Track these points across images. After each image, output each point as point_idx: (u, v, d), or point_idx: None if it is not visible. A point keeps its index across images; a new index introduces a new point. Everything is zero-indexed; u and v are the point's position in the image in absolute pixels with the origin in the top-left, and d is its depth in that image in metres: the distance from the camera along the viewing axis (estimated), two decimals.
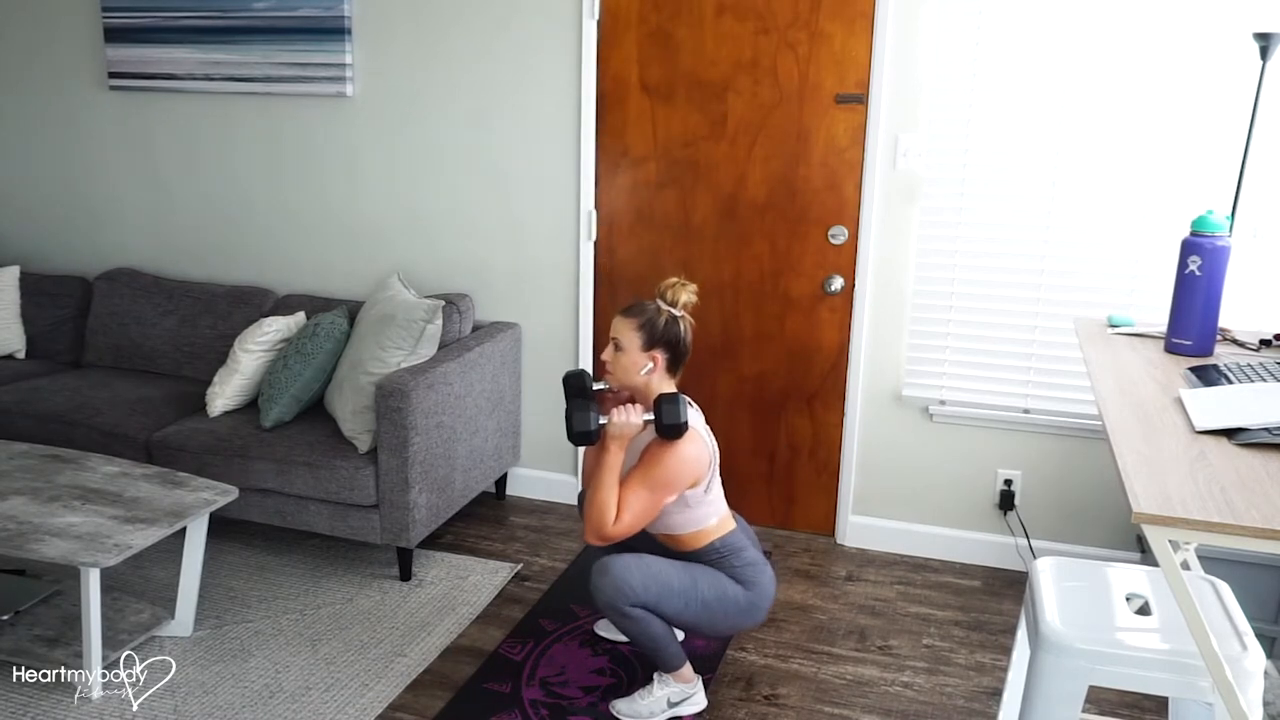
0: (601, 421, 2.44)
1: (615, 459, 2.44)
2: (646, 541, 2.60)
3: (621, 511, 2.42)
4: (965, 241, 3.23)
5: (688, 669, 2.59)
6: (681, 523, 2.51)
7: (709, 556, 2.52)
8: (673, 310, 2.49)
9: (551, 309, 3.69)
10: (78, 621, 2.72)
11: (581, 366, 2.69)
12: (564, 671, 2.76)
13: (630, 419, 2.42)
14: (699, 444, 2.45)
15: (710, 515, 2.52)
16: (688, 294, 2.51)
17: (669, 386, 2.52)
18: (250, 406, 3.47)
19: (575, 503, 3.79)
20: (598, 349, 3.68)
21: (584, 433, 2.44)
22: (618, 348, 2.50)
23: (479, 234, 3.71)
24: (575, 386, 2.58)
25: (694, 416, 2.49)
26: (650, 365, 2.48)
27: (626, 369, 2.50)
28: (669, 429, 2.39)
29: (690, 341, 2.53)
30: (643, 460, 2.45)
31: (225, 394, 3.41)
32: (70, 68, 4.09)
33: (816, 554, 3.50)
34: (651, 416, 2.42)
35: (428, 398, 3.10)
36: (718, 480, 2.55)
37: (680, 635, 2.65)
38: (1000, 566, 3.41)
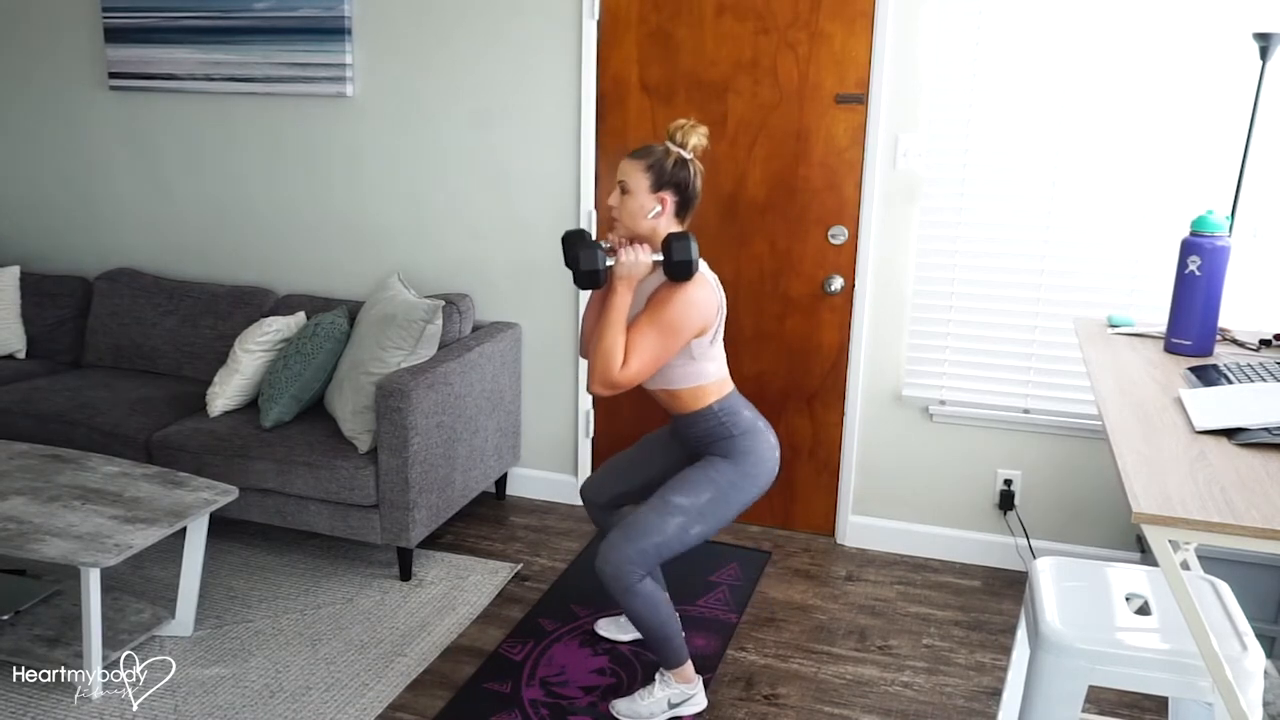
0: (609, 263, 2.35)
1: (623, 300, 2.35)
2: (623, 481, 2.60)
3: (629, 356, 2.33)
4: (965, 241, 3.23)
5: (689, 669, 2.59)
6: (683, 375, 2.44)
7: (706, 421, 2.47)
8: (682, 152, 2.40)
9: (551, 309, 3.69)
10: (78, 621, 2.72)
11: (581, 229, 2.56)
12: (564, 671, 2.76)
13: (639, 258, 2.34)
14: (708, 288, 2.38)
15: (711, 371, 2.46)
16: (698, 136, 2.41)
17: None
18: (250, 406, 3.47)
19: (575, 501, 3.81)
20: None
21: (592, 272, 2.31)
22: (624, 190, 2.41)
23: (479, 234, 3.71)
24: (577, 238, 2.45)
25: (707, 269, 2.43)
26: (658, 208, 2.40)
27: (633, 213, 2.41)
28: (678, 266, 2.30)
29: (700, 187, 2.45)
30: (650, 304, 2.37)
31: (225, 394, 3.41)
32: (70, 68, 4.09)
33: (816, 554, 3.50)
34: (660, 256, 2.33)
35: (428, 398, 3.10)
36: (721, 336, 2.48)
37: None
38: (1000, 566, 3.41)
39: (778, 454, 2.53)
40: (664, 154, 2.40)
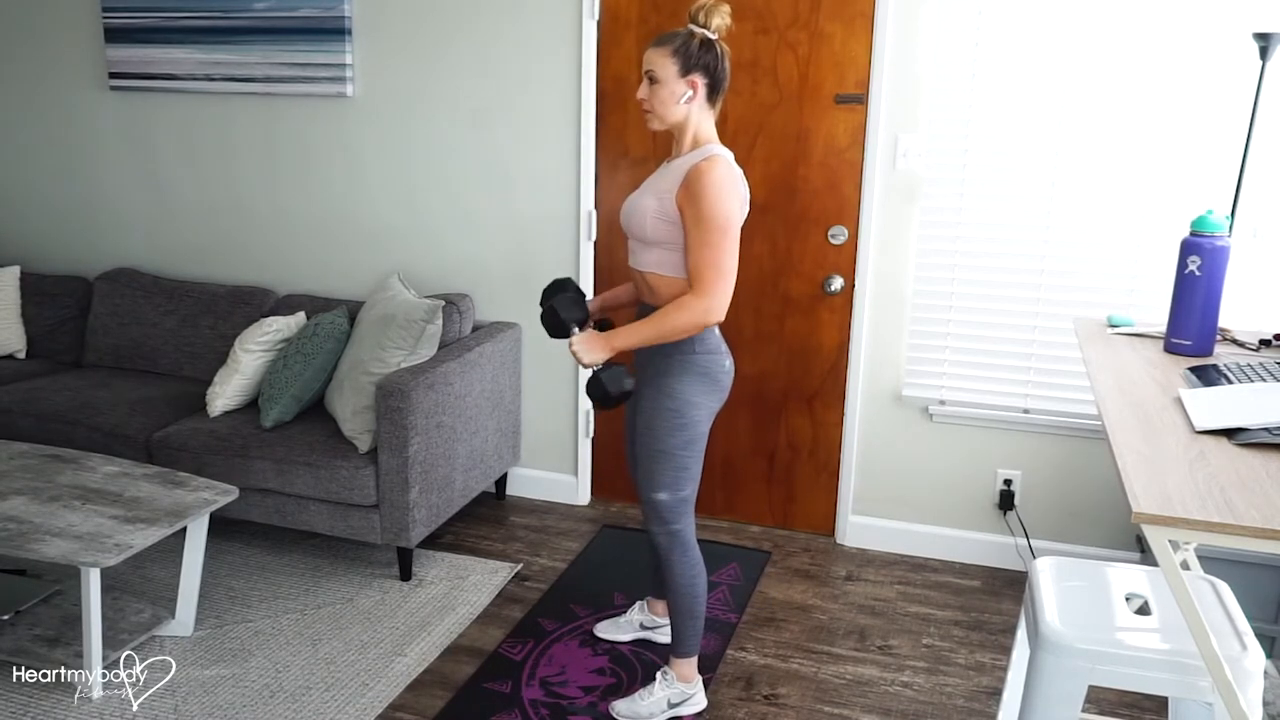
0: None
1: (633, 336, 2.34)
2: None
3: (704, 284, 2.27)
4: (965, 241, 3.23)
5: (693, 666, 2.59)
6: (677, 264, 2.36)
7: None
8: (706, 33, 2.33)
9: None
10: (78, 621, 2.72)
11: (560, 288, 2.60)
12: (564, 671, 2.76)
13: (582, 358, 2.33)
14: (735, 172, 2.33)
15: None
16: (720, 15, 2.33)
17: (709, 120, 2.39)
18: (250, 406, 3.47)
19: (575, 501, 3.81)
20: None
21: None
22: (653, 80, 2.34)
23: (479, 234, 3.71)
24: (556, 303, 2.40)
25: (728, 153, 2.36)
26: (690, 93, 2.33)
27: (664, 100, 2.33)
28: (601, 396, 2.29)
29: (729, 69, 2.38)
30: (688, 216, 2.29)
31: (225, 394, 3.41)
32: (70, 68, 4.09)
33: (816, 554, 3.50)
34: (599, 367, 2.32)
35: (428, 398, 3.10)
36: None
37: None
38: (1000, 566, 3.41)
39: (730, 376, 2.50)
40: (688, 36, 2.33)
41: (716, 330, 2.47)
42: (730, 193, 2.30)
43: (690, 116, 2.37)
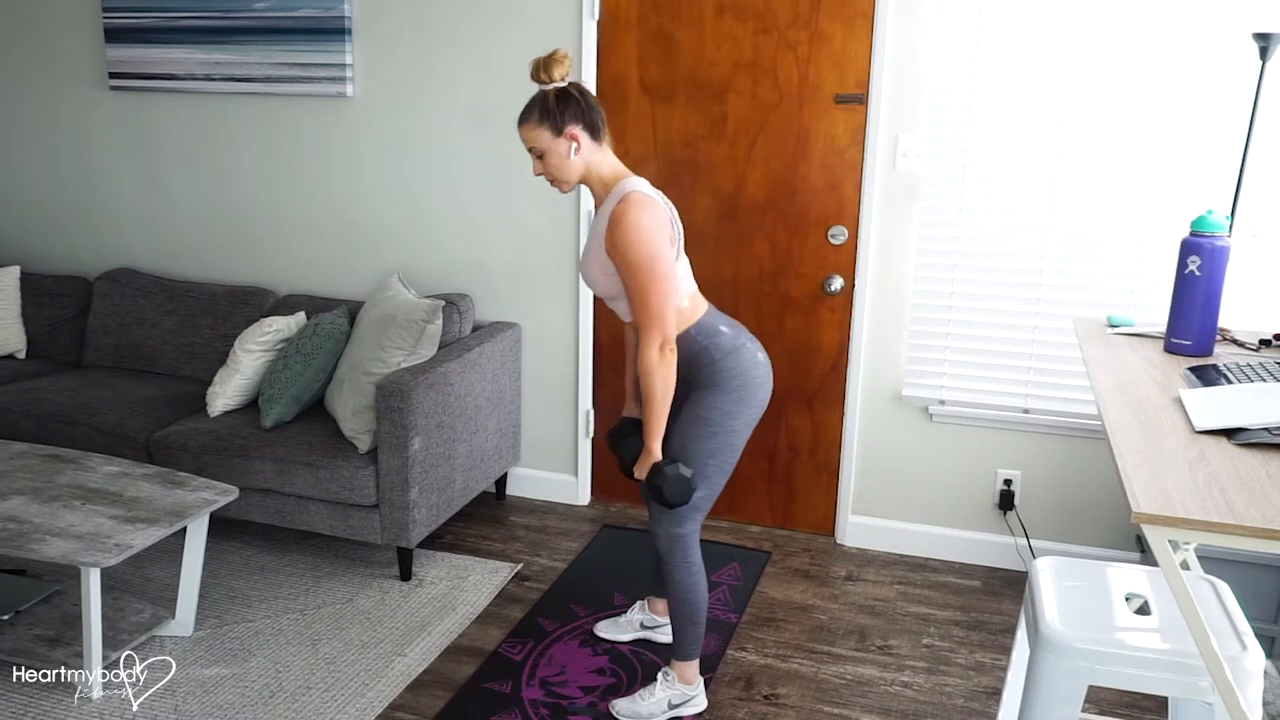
0: (687, 471, 2.39)
1: (652, 428, 2.38)
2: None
3: (644, 322, 2.31)
4: (965, 241, 3.23)
5: (694, 668, 2.59)
6: None
7: (686, 346, 2.42)
8: (554, 86, 2.34)
9: (551, 309, 3.69)
10: (78, 621, 2.72)
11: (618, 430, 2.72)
12: (564, 671, 2.76)
13: (644, 476, 2.43)
14: (650, 204, 2.32)
15: (684, 293, 2.42)
16: (558, 65, 2.33)
17: (607, 156, 2.40)
18: (250, 406, 3.47)
19: (575, 501, 3.81)
20: (598, 349, 3.68)
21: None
22: (538, 155, 2.38)
23: (479, 234, 3.71)
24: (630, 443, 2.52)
25: (640, 184, 2.38)
26: (574, 144, 2.34)
27: (558, 165, 2.37)
28: (661, 500, 2.38)
29: (594, 100, 2.38)
30: (615, 261, 2.33)
31: (225, 394, 3.41)
32: (70, 68, 4.09)
33: (816, 554, 3.50)
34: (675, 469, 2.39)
35: (428, 398, 3.10)
36: (684, 255, 2.45)
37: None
38: (1000, 566, 3.41)
39: (767, 369, 2.49)
40: (543, 99, 2.34)
41: (724, 329, 2.45)
42: (649, 229, 2.29)
43: (589, 164, 2.39)
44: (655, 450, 2.40)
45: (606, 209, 2.36)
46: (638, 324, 2.35)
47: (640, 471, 2.44)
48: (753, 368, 2.44)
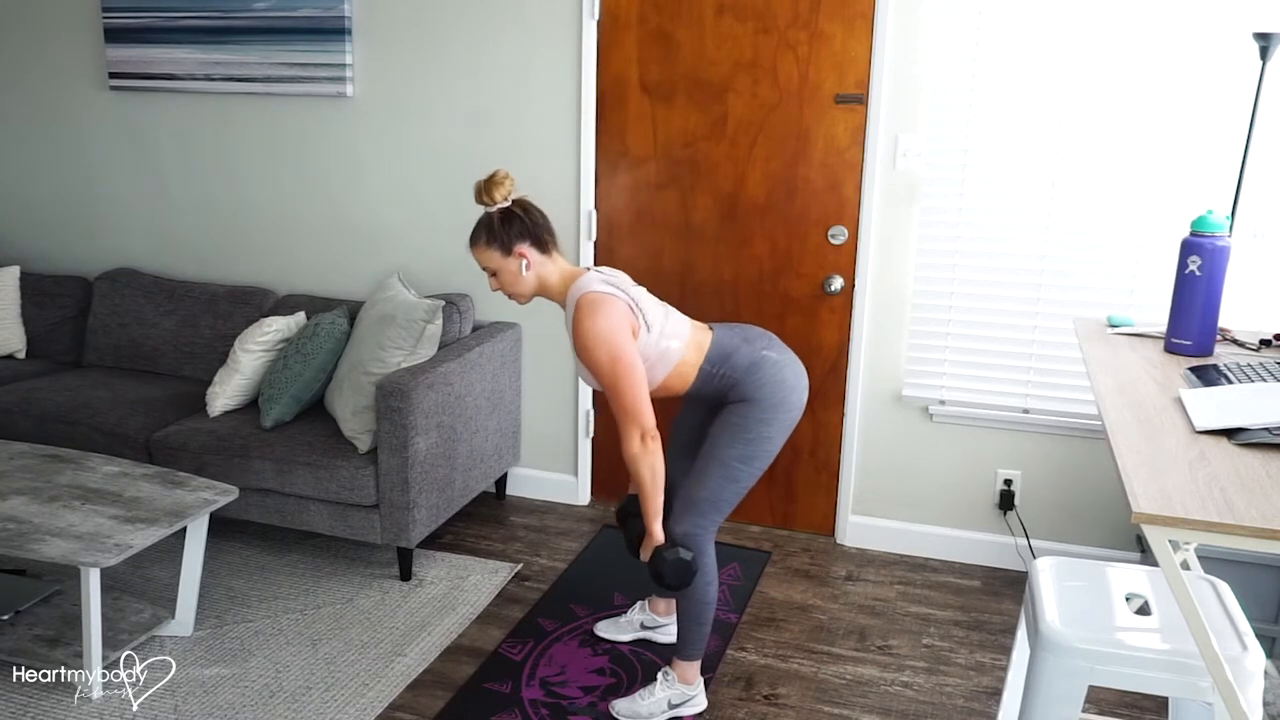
0: (687, 555, 2.44)
1: (649, 514, 2.44)
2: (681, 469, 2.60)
3: (622, 420, 2.36)
4: (965, 241, 3.23)
5: (696, 669, 2.59)
6: (656, 375, 2.44)
7: (708, 383, 2.46)
8: (499, 207, 2.42)
9: (551, 309, 3.67)
10: (78, 621, 2.72)
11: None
12: (564, 671, 2.76)
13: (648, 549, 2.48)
14: (604, 306, 2.36)
15: (676, 347, 2.45)
16: (499, 187, 2.41)
17: (557, 264, 2.47)
18: (250, 406, 3.47)
19: (575, 501, 3.81)
20: None
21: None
22: (492, 274, 2.46)
23: None
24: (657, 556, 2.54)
25: (590, 283, 2.42)
26: (524, 261, 2.42)
27: (512, 282, 2.45)
28: (656, 575, 2.44)
29: (538, 213, 2.45)
30: (584, 363, 2.40)
31: (225, 394, 3.41)
32: (70, 68, 4.09)
33: (816, 554, 3.50)
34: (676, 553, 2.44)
35: (428, 398, 3.10)
36: (660, 310, 2.48)
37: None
38: (1000, 566, 3.41)
39: (793, 370, 2.49)
40: (488, 221, 2.43)
41: (737, 348, 2.46)
42: (603, 331, 2.35)
43: (541, 277, 2.46)
44: (656, 534, 2.44)
45: (569, 314, 2.44)
46: (616, 418, 2.40)
47: (644, 554, 2.48)
48: (777, 375, 2.45)
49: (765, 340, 2.51)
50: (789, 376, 2.47)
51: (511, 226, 2.41)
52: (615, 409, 2.37)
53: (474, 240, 2.46)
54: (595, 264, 3.61)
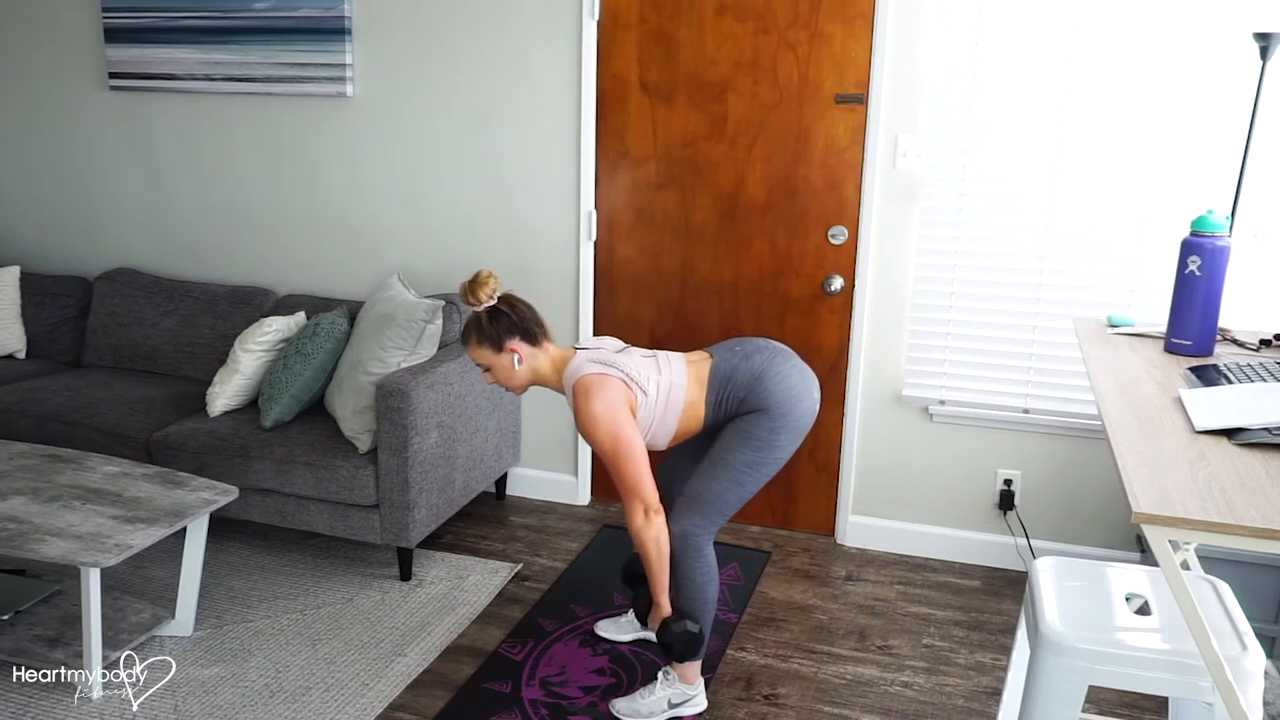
0: (694, 627, 2.50)
1: (658, 589, 2.52)
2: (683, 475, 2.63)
3: (627, 495, 2.43)
4: (965, 241, 3.23)
5: (696, 669, 2.59)
6: (669, 426, 2.51)
7: (715, 410, 2.49)
8: (484, 306, 2.50)
9: (551, 309, 3.68)
10: (78, 621, 2.72)
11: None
12: (564, 671, 2.76)
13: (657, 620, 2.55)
14: (600, 390, 2.42)
15: (679, 395, 2.49)
16: (483, 288, 2.49)
17: (548, 354, 2.54)
18: (250, 406, 3.47)
19: (575, 501, 3.81)
20: None
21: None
22: (485, 369, 2.56)
23: (479, 234, 3.71)
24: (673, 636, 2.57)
25: (582, 365, 2.47)
26: (516, 356, 2.51)
27: (507, 377, 2.54)
28: (665, 646, 2.51)
29: (524, 307, 2.54)
30: (588, 443, 2.47)
31: (225, 394, 3.41)
32: (70, 68, 4.09)
33: (816, 554, 3.50)
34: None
35: (428, 398, 3.10)
36: (651, 366, 2.51)
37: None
38: (1000, 566, 3.41)
39: (799, 378, 2.50)
40: (475, 321, 2.52)
41: (737, 366, 2.48)
42: (602, 414, 2.41)
43: (533, 368, 2.54)
44: (664, 607, 2.52)
45: (568, 399, 2.50)
46: (620, 495, 2.47)
47: (652, 623, 2.58)
48: (783, 384, 2.47)
49: (768, 353, 2.53)
50: (795, 384, 2.48)
51: (500, 323, 2.50)
52: (618, 485, 2.45)
53: (465, 339, 2.55)
54: (595, 264, 3.61)
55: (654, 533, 2.44)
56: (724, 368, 2.50)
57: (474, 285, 2.48)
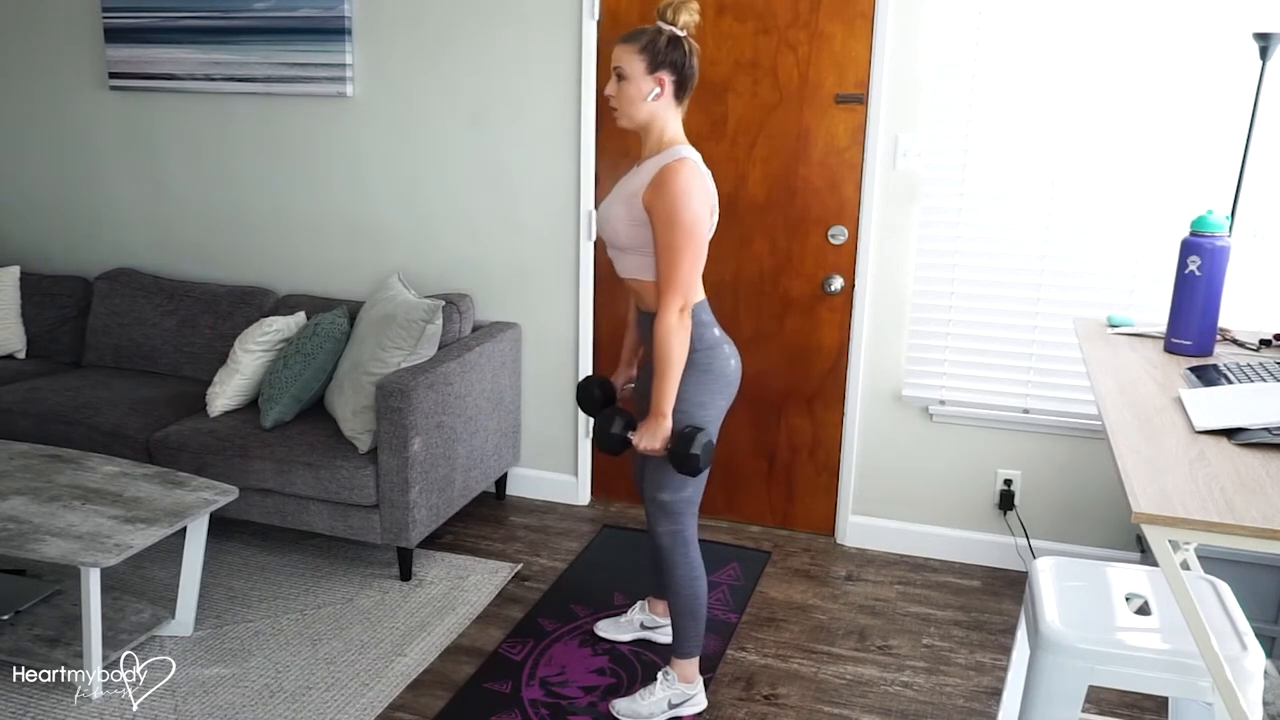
0: (630, 435, 2.38)
1: (663, 392, 2.32)
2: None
3: (667, 286, 2.29)
4: (965, 241, 3.23)
5: (694, 667, 2.59)
6: (654, 266, 2.38)
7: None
8: (674, 30, 2.33)
9: (551, 309, 3.69)
10: (78, 621, 2.72)
11: (587, 376, 2.65)
12: (564, 671, 2.76)
13: (653, 445, 2.34)
14: (701, 178, 2.33)
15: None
16: (688, 13, 2.33)
17: (676, 119, 2.40)
18: (250, 406, 3.47)
19: (575, 501, 3.81)
20: (598, 348, 3.68)
21: (622, 439, 2.39)
22: (620, 77, 2.34)
23: (479, 234, 3.71)
24: (594, 398, 2.49)
25: (696, 155, 2.38)
26: (656, 89, 2.33)
27: (631, 98, 2.34)
28: (682, 460, 2.31)
29: (696, 65, 2.38)
30: (654, 222, 2.30)
31: (225, 394, 3.41)
32: (70, 68, 4.09)
33: (816, 554, 3.50)
34: (668, 445, 2.34)
35: (428, 398, 3.10)
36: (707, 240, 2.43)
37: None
38: (1000, 566, 3.41)
39: (738, 373, 2.47)
40: (656, 34, 2.32)
41: (717, 328, 2.46)
42: (696, 197, 2.30)
43: (657, 115, 2.37)
44: (668, 413, 2.34)
45: (653, 164, 2.36)
46: (661, 286, 2.32)
47: (649, 440, 2.35)
48: (725, 366, 2.44)
49: (727, 337, 2.49)
50: (732, 372, 2.45)
51: (674, 52, 2.32)
52: (667, 275, 2.30)
53: (628, 38, 2.34)
54: (595, 264, 3.61)
55: (684, 334, 2.31)
56: (704, 314, 2.43)
57: (680, 7, 2.31)
